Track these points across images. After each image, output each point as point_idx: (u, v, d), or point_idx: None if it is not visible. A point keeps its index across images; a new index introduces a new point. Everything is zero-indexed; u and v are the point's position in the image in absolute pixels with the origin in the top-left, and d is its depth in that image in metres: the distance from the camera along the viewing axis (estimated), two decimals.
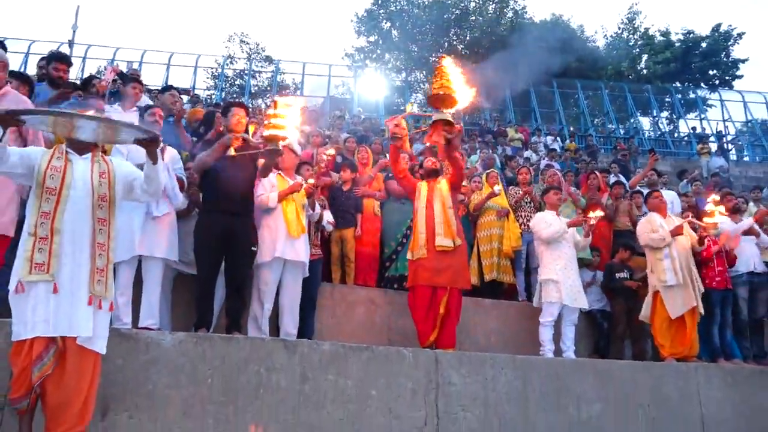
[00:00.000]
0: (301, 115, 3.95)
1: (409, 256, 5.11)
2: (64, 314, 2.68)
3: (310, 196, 4.89)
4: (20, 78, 4.49)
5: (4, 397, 2.94)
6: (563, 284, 5.50)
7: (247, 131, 4.55)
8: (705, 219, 5.83)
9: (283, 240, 4.65)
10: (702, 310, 5.62)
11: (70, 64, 5.25)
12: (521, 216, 6.74)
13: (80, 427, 2.75)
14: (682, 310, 5.53)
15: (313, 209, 5.00)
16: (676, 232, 5.72)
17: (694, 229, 5.98)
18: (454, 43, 28.21)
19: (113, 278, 2.94)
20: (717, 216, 5.76)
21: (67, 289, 2.72)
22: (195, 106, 10.83)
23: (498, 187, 6.58)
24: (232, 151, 4.38)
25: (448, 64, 4.29)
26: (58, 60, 5.15)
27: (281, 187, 4.79)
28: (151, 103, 5.63)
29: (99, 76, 7.00)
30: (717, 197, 6.27)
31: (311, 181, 4.93)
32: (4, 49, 4.68)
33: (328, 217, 5.38)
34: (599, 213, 5.82)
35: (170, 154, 4.48)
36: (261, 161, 4.46)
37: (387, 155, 8.05)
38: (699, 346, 5.68)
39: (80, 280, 2.76)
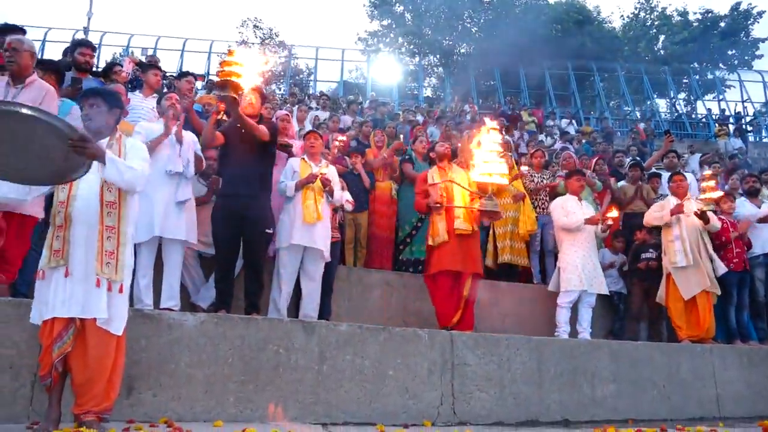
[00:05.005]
0: (258, 66, 3.83)
1: (429, 242, 5.06)
2: (78, 297, 2.77)
3: (326, 186, 4.92)
4: (49, 67, 4.52)
5: (34, 374, 3.06)
6: (583, 270, 5.52)
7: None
8: (701, 196, 5.87)
9: (299, 227, 4.71)
10: (718, 291, 5.62)
11: (94, 49, 5.32)
12: (537, 200, 6.73)
13: (106, 404, 2.85)
14: (694, 291, 5.55)
15: (332, 196, 5.00)
16: (676, 210, 5.73)
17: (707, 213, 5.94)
18: (468, 25, 27.94)
19: (127, 260, 2.93)
20: (710, 193, 5.80)
21: (81, 273, 2.80)
22: (210, 92, 10.93)
23: (524, 168, 6.57)
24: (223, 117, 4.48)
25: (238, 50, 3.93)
26: (82, 45, 5.24)
27: (303, 173, 4.84)
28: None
29: (119, 62, 7.10)
30: (709, 172, 6.30)
31: (324, 170, 4.96)
32: (23, 33, 4.76)
33: (347, 196, 5.42)
34: (615, 213, 5.79)
35: (189, 136, 4.55)
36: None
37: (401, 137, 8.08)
38: (716, 327, 5.69)
39: (93, 264, 2.82)
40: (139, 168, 2.92)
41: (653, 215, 5.91)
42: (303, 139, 5.31)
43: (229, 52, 3.71)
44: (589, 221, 5.61)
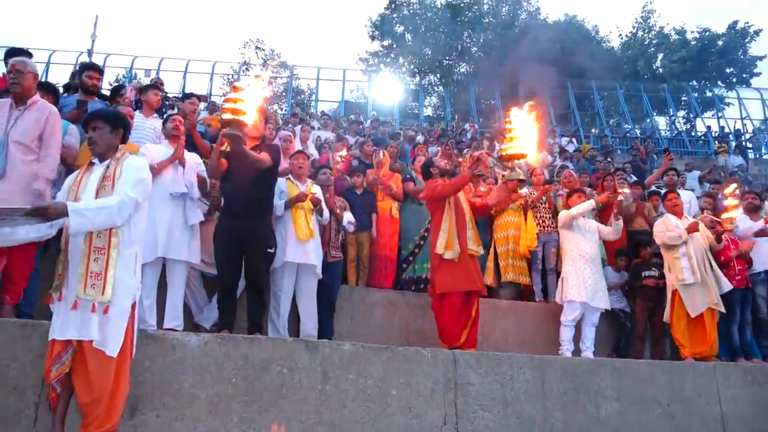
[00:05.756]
0: (262, 92, 3.84)
1: (440, 253, 4.83)
2: (74, 318, 2.80)
3: (316, 205, 4.97)
4: (46, 88, 4.62)
5: (38, 395, 3.07)
6: (584, 282, 5.53)
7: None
8: (723, 215, 5.85)
9: (293, 245, 4.78)
10: (723, 309, 5.61)
11: (102, 72, 5.40)
12: (537, 217, 6.75)
13: (108, 425, 2.85)
14: (701, 308, 5.53)
15: (321, 215, 5.08)
16: (693, 228, 5.72)
17: (712, 228, 5.97)
18: (468, 45, 28.21)
19: (122, 280, 2.89)
20: (733, 211, 5.78)
21: (75, 295, 2.81)
22: (213, 113, 11.03)
23: (524, 190, 6.57)
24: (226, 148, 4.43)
25: (514, 117, 4.30)
26: (90, 69, 5.31)
27: (291, 193, 4.91)
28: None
29: (124, 83, 7.22)
30: (731, 189, 6.27)
31: (315, 190, 5.02)
32: (29, 56, 4.86)
33: (349, 218, 5.46)
34: (627, 191, 5.84)
35: (193, 158, 4.60)
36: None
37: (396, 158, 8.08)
38: (718, 345, 5.68)
39: (76, 285, 2.82)
40: (115, 201, 2.83)
41: (669, 235, 5.79)
42: (290, 159, 5.33)
43: (234, 88, 3.73)
44: (599, 200, 5.66)
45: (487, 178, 5.17)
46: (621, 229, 5.97)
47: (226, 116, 3.64)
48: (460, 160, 7.95)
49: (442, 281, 4.84)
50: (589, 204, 5.77)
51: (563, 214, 5.88)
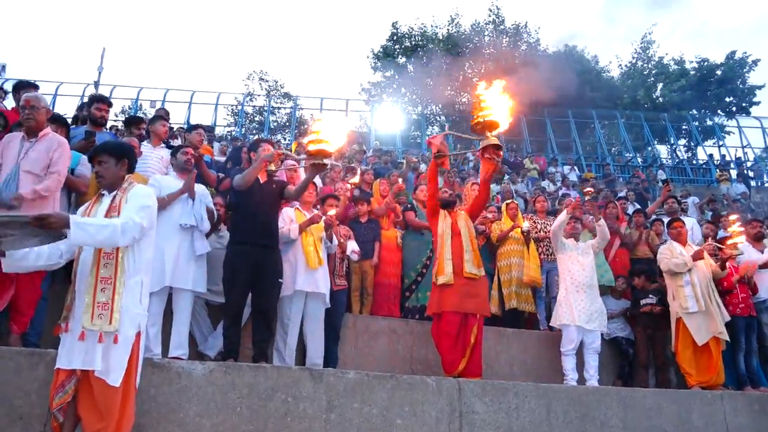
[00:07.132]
0: (344, 137, 3.98)
1: (434, 280, 5.00)
2: (78, 349, 2.82)
3: (329, 228, 5.00)
4: (58, 121, 4.72)
5: (44, 425, 3.07)
6: (575, 306, 5.53)
7: (289, 148, 4.73)
8: (727, 242, 5.86)
9: (303, 272, 4.79)
10: (727, 337, 5.59)
11: (110, 104, 5.49)
12: (540, 245, 6.78)
13: None
14: (707, 336, 5.51)
15: (331, 241, 5.11)
16: (698, 256, 5.74)
17: (714, 255, 5.98)
18: (469, 75, 28.55)
19: (128, 309, 2.89)
20: (737, 237, 5.79)
21: (81, 325, 2.83)
22: (210, 142, 11.20)
23: (526, 224, 6.55)
24: (272, 168, 4.54)
25: (483, 90, 4.37)
26: (99, 101, 5.42)
27: (299, 221, 4.94)
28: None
29: (141, 116, 7.31)
30: (736, 217, 6.28)
31: (331, 212, 5.06)
32: (36, 89, 4.97)
33: (353, 246, 5.49)
34: (590, 187, 5.90)
35: (201, 190, 4.67)
36: (290, 186, 4.59)
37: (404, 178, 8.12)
38: (725, 374, 5.64)
39: (82, 316, 2.84)
40: (119, 222, 2.83)
41: (675, 262, 5.82)
42: None
43: (316, 121, 3.83)
44: (569, 209, 5.80)
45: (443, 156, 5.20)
46: (606, 230, 5.99)
47: (314, 147, 3.76)
48: (463, 188, 7.99)
49: (434, 302, 4.98)
50: (563, 215, 5.81)
51: (552, 233, 5.93)
